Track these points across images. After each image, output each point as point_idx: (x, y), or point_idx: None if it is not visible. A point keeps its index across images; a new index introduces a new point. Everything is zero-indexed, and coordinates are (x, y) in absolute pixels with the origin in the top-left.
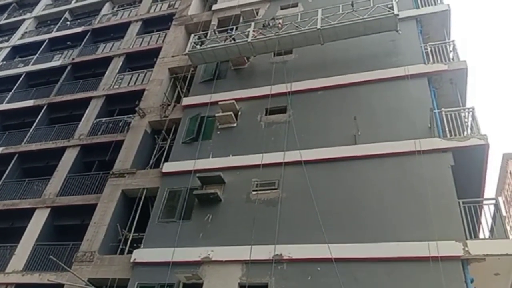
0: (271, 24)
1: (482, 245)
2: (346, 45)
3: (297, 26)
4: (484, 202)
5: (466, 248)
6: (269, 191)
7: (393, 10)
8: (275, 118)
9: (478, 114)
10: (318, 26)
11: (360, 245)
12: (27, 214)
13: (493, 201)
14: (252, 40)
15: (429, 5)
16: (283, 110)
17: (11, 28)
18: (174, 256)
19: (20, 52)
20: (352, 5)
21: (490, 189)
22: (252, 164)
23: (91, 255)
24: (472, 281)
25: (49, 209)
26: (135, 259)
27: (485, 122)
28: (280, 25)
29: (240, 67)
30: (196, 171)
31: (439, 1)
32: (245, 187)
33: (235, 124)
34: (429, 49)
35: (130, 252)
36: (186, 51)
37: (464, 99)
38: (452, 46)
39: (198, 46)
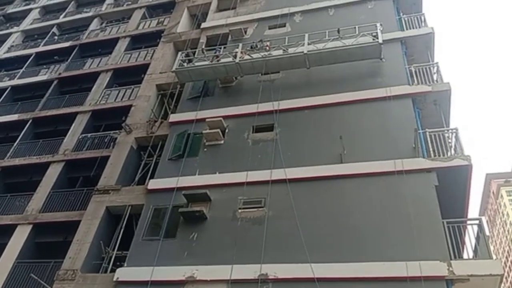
0: (258, 46)
1: (466, 265)
2: (332, 65)
3: (284, 50)
4: (468, 222)
5: (451, 268)
6: (255, 209)
7: (377, 38)
8: (262, 136)
9: (461, 135)
10: (305, 51)
11: (345, 265)
12: (8, 230)
13: (477, 221)
14: (239, 61)
15: (413, 28)
16: (270, 128)
17: None
18: (158, 275)
19: (6, 65)
20: (338, 31)
21: (473, 209)
22: (238, 181)
23: (73, 273)
24: None
25: (31, 226)
26: (118, 278)
27: (468, 143)
28: (267, 47)
29: (228, 85)
30: (182, 188)
31: (423, 24)
32: (231, 205)
33: (222, 142)
34: (413, 71)
35: (113, 270)
36: (173, 69)
37: (448, 119)
38: (436, 68)
39: (185, 64)
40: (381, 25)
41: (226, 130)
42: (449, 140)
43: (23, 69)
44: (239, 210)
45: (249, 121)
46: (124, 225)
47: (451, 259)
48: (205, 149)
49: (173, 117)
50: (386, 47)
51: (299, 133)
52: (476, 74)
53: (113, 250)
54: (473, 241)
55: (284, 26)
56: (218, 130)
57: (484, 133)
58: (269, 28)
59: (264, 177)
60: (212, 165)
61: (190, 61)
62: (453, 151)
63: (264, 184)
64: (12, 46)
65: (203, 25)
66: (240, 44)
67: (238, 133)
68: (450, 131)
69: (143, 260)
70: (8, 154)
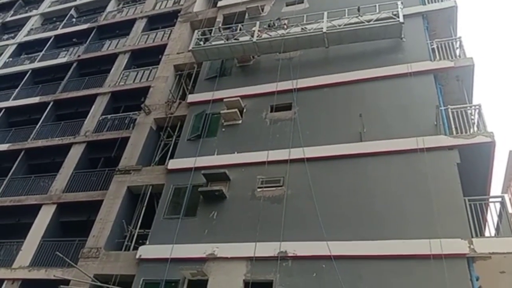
0: (276, 24)
1: (488, 243)
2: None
3: (302, 28)
4: (490, 199)
5: (472, 246)
6: (274, 188)
7: (398, 17)
8: (280, 115)
9: (484, 111)
10: (324, 29)
11: (365, 243)
12: (34, 210)
13: (500, 199)
14: (257, 40)
15: (435, 2)
16: (288, 107)
17: (17, 25)
18: (180, 253)
19: (26, 49)
20: (358, 10)
21: (495, 186)
22: (257, 161)
23: (97, 251)
24: (477, 279)
25: (55, 205)
26: (140, 256)
27: (492, 119)
28: (285, 26)
29: (245, 64)
30: (201, 168)
31: None
32: (250, 184)
33: (240, 121)
34: (435, 46)
35: (135, 248)
36: (190, 48)
37: (471, 96)
38: (458, 42)
39: (201, 43)
40: (402, 3)
41: (244, 110)
42: (472, 117)
43: (43, 52)
44: (258, 189)
45: (267, 100)
46: (145, 204)
47: (472, 237)
48: (223, 129)
49: (191, 98)
50: (407, 22)
51: (318, 112)
52: (499, 47)
53: (135, 228)
54: (495, 219)
55: (302, 2)
56: (236, 110)
57: (508, 109)
58: (287, 5)
59: (282, 156)
60: (230, 145)
61: (207, 40)
62: (475, 128)
63: (283, 163)
64: (31, 29)
65: (220, 3)
66: (258, 23)
67: (256, 113)
68: (473, 107)
69: (164, 238)
70: (31, 136)
